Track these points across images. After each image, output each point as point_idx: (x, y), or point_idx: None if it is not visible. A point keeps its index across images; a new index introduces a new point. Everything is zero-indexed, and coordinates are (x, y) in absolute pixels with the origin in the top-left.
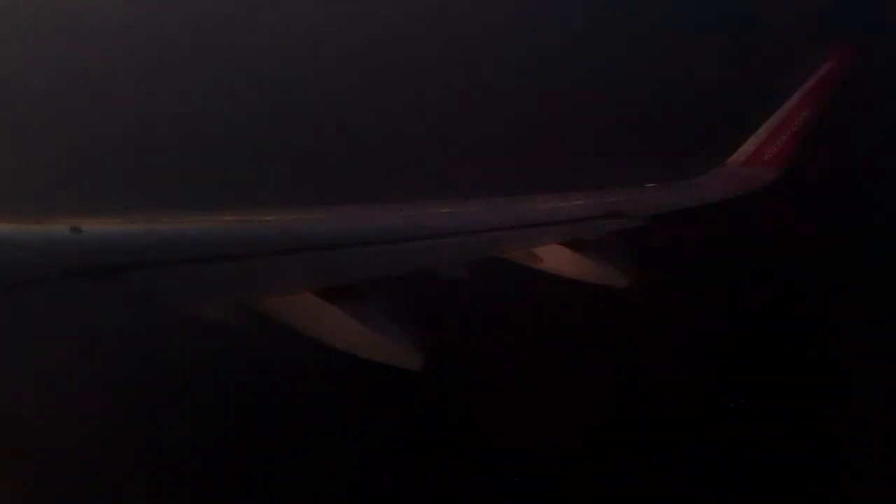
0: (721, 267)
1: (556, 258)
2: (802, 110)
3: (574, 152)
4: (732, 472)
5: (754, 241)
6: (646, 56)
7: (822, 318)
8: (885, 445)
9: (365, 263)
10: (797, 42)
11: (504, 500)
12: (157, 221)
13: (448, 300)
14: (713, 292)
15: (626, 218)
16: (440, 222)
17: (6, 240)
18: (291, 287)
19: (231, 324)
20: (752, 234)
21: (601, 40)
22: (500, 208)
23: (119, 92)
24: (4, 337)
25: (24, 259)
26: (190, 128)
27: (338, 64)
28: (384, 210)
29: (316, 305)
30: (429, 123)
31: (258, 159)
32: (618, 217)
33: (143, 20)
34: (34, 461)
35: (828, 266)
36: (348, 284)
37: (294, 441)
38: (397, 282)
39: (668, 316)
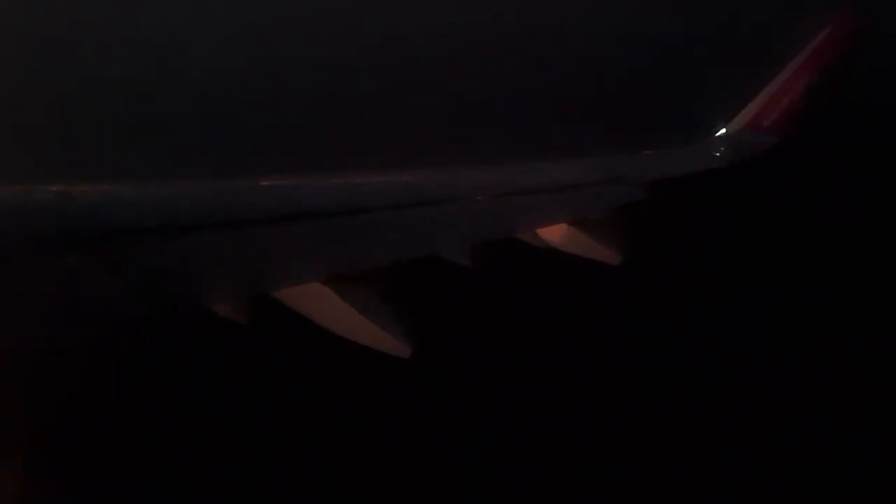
0: (719, 235)
1: (557, 234)
2: (802, 77)
3: (572, 118)
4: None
5: (752, 208)
6: (642, 19)
7: (823, 292)
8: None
9: (369, 239)
10: (797, 7)
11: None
12: (157, 186)
13: (452, 284)
14: (711, 263)
15: (627, 184)
16: (441, 191)
17: None
18: (300, 268)
19: (242, 321)
20: (750, 202)
21: (596, 5)
22: (500, 176)
23: (115, 54)
24: None
25: (2, 226)
26: (185, 93)
27: (326, 33)
28: (383, 177)
29: (316, 289)
30: (420, 90)
31: (249, 126)
32: (618, 183)
33: None
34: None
35: (826, 235)
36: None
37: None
38: (399, 265)
39: (665, 292)
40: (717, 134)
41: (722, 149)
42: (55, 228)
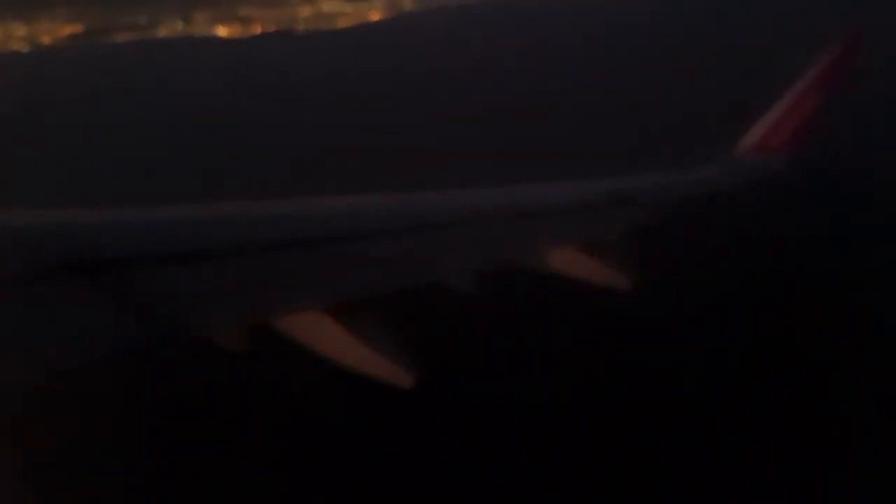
0: (729, 256)
1: (565, 260)
2: (810, 96)
3: (582, 140)
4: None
5: (762, 229)
6: (651, 41)
7: (832, 311)
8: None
9: (371, 266)
10: (804, 27)
11: None
12: (156, 212)
13: (456, 311)
14: (720, 284)
15: (636, 207)
16: (444, 216)
17: None
18: (300, 296)
19: (241, 350)
20: (759, 223)
21: (606, 25)
22: (505, 198)
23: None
24: None
25: (5, 254)
26: (186, 125)
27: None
28: (385, 201)
29: (317, 319)
30: (429, 114)
31: (247, 152)
32: (627, 206)
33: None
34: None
35: (839, 254)
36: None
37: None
38: (402, 292)
39: (675, 314)
40: (726, 156)
41: (731, 171)
42: (55, 256)
